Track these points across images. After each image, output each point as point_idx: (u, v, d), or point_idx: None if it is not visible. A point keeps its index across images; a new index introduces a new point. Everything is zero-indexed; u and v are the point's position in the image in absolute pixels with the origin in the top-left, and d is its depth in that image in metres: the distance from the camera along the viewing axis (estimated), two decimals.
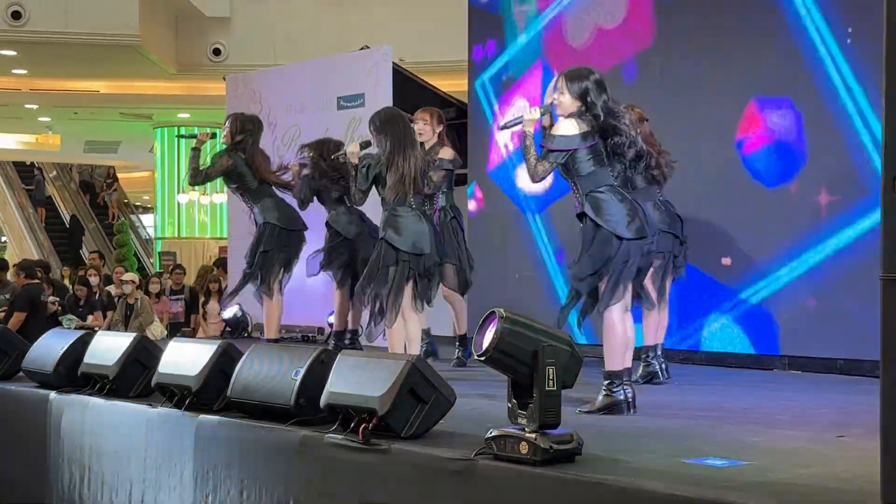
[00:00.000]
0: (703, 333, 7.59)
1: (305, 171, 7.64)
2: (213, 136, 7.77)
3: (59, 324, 10.92)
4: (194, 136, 7.75)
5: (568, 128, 5.06)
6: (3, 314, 10.94)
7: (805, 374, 6.97)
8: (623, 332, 5.09)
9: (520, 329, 3.72)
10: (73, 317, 11.39)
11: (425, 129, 6.98)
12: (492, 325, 3.73)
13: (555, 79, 5.34)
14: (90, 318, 11.60)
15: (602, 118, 5.06)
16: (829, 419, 5.04)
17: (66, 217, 24.66)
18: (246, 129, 7.63)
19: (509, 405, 3.81)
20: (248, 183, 7.58)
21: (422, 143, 6.76)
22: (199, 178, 7.65)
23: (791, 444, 4.25)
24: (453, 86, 11.15)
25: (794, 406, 5.53)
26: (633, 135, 5.11)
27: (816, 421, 4.99)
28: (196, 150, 7.65)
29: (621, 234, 4.99)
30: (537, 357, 3.67)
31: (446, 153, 7.01)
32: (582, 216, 5.12)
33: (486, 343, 3.72)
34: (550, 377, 3.68)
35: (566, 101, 5.12)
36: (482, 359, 3.74)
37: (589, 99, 5.07)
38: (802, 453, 4.05)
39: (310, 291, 8.62)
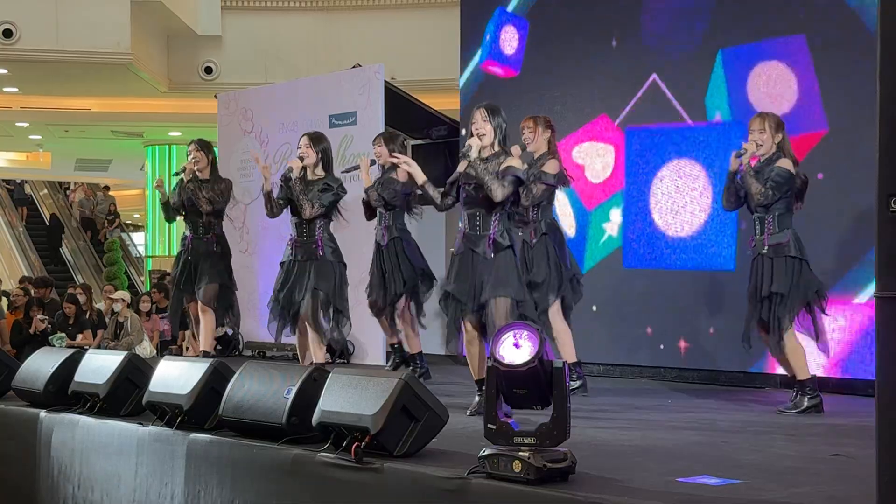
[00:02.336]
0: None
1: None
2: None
3: (49, 343, 10.87)
4: (184, 170, 7.87)
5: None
6: None
7: None
8: None
9: (548, 346, 3.75)
10: (64, 335, 11.34)
11: (530, 136, 6.74)
12: (522, 335, 3.71)
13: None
14: (80, 336, 11.55)
15: None
16: (823, 437, 5.04)
17: (47, 216, 24.80)
18: (212, 149, 8.00)
19: (492, 427, 3.77)
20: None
21: (530, 153, 6.64)
22: (218, 212, 7.93)
23: (785, 463, 4.25)
24: (445, 104, 11.16)
25: (787, 424, 5.53)
26: None
27: (810, 439, 4.98)
28: (192, 181, 7.84)
29: None
30: (561, 373, 3.68)
31: (552, 167, 6.66)
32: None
33: (522, 352, 3.70)
34: (568, 393, 3.72)
35: None
36: (523, 368, 3.71)
37: None
38: (796, 472, 4.04)
39: None
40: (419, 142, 10.42)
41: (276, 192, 6.87)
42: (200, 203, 7.69)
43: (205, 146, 7.92)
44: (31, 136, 21.66)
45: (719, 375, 7.56)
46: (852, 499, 3.43)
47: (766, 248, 5.99)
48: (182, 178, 7.81)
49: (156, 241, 20.98)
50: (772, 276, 5.95)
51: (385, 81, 9.57)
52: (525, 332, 3.71)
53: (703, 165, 7.82)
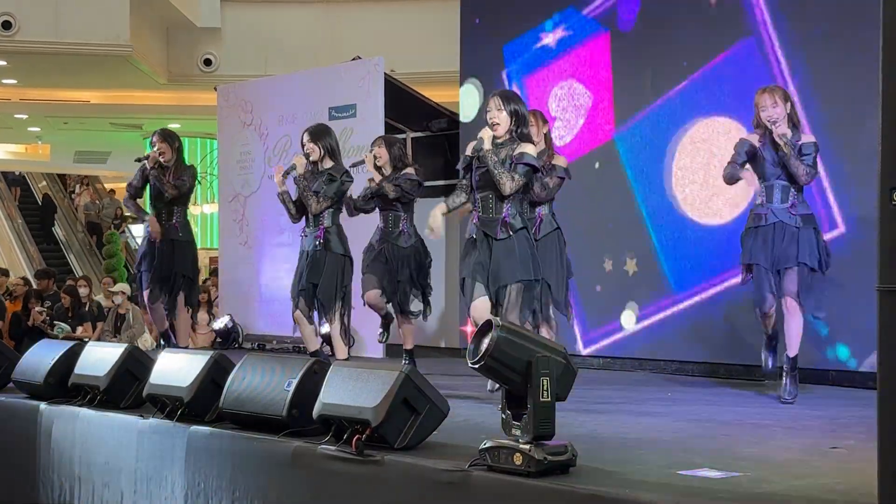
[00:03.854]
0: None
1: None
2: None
3: (46, 334, 10.88)
4: (147, 157, 7.85)
5: None
6: None
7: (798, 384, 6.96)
8: None
9: (515, 338, 3.70)
10: (64, 325, 11.34)
11: (532, 131, 6.39)
12: (488, 333, 3.71)
13: None
14: (79, 328, 11.56)
15: None
16: (823, 430, 5.04)
17: (39, 196, 24.85)
18: (178, 139, 7.96)
19: (503, 416, 3.79)
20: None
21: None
22: (182, 199, 7.89)
23: (785, 456, 4.25)
24: (445, 96, 11.15)
25: (787, 417, 5.53)
26: None
27: (810, 432, 4.99)
28: (155, 169, 7.82)
29: None
30: (531, 367, 3.66)
31: (560, 160, 6.54)
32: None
33: (481, 350, 3.70)
34: (544, 388, 3.66)
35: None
36: (476, 366, 3.72)
37: None
38: (796, 465, 4.04)
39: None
40: (419, 134, 10.42)
41: (293, 194, 6.93)
42: (166, 188, 7.70)
43: (168, 136, 7.90)
44: (29, 128, 21.66)
45: (719, 368, 7.56)
46: (852, 491, 3.43)
47: (796, 216, 6.01)
48: (145, 165, 7.80)
49: None
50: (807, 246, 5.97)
51: (385, 74, 9.57)
52: (488, 332, 3.71)
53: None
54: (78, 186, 25.55)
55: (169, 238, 7.83)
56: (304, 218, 6.98)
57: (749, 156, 6.12)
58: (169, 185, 7.71)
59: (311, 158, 6.87)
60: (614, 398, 6.43)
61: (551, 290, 6.26)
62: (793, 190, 6.03)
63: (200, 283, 12.92)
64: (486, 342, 3.69)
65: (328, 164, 6.90)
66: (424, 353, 9.19)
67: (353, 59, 10.28)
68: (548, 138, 6.68)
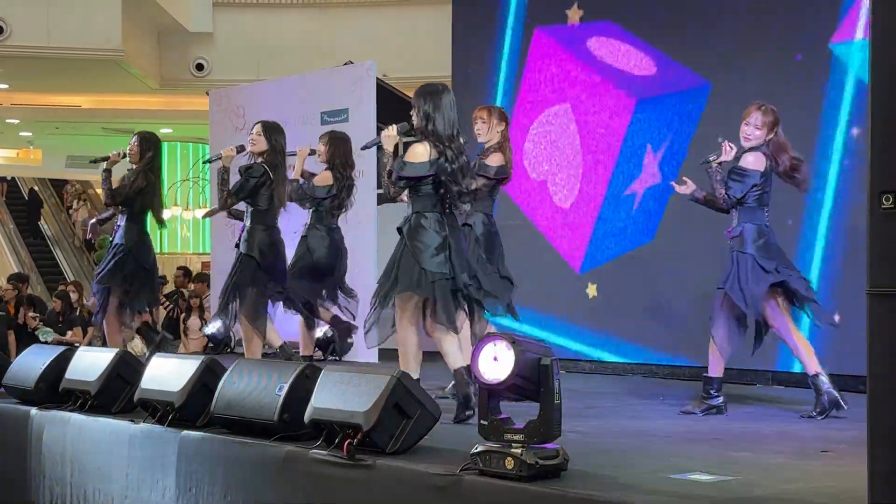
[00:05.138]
0: None
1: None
2: (124, 155, 7.70)
3: (38, 339, 10.86)
4: (107, 159, 7.69)
5: None
6: None
7: (789, 388, 6.98)
8: None
9: (525, 348, 3.70)
10: (50, 330, 11.30)
11: (483, 127, 6.49)
12: (500, 347, 3.69)
13: None
14: (69, 333, 11.53)
15: None
16: (814, 434, 5.05)
17: (25, 191, 24.98)
18: (154, 146, 7.70)
19: (484, 423, 3.77)
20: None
21: (480, 143, 6.51)
22: (117, 198, 7.56)
23: (777, 460, 4.26)
24: None
25: (778, 421, 5.54)
26: None
27: (801, 436, 5.00)
28: (108, 172, 7.61)
29: None
30: (547, 371, 3.66)
31: (494, 159, 6.40)
32: None
33: (505, 369, 3.66)
34: (557, 390, 3.68)
35: None
36: (503, 387, 3.68)
37: None
38: (788, 468, 4.05)
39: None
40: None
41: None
42: (104, 192, 7.59)
43: (143, 140, 7.71)
44: (21, 133, 21.62)
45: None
46: (843, 494, 3.44)
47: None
48: (104, 167, 7.64)
49: None
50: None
51: (377, 78, 9.57)
52: (504, 344, 3.69)
53: None
54: (76, 202, 25.27)
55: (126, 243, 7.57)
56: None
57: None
58: (106, 191, 7.55)
59: (250, 149, 7.00)
60: (606, 402, 6.43)
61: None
62: (735, 211, 5.89)
63: (190, 287, 12.92)
64: (506, 361, 3.66)
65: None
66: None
67: (346, 64, 10.29)
68: (503, 135, 6.48)
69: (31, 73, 16.00)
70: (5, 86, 17.22)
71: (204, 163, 6.87)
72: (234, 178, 7.16)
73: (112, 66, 15.09)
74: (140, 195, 7.53)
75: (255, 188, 6.92)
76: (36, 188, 24.77)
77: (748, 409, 6.08)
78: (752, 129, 5.85)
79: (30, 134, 21.68)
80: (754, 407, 6.15)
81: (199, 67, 16.20)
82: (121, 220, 7.60)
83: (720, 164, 5.88)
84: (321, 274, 7.70)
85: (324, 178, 7.55)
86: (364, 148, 6.45)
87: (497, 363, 3.68)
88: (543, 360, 3.67)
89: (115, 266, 7.51)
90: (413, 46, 14.56)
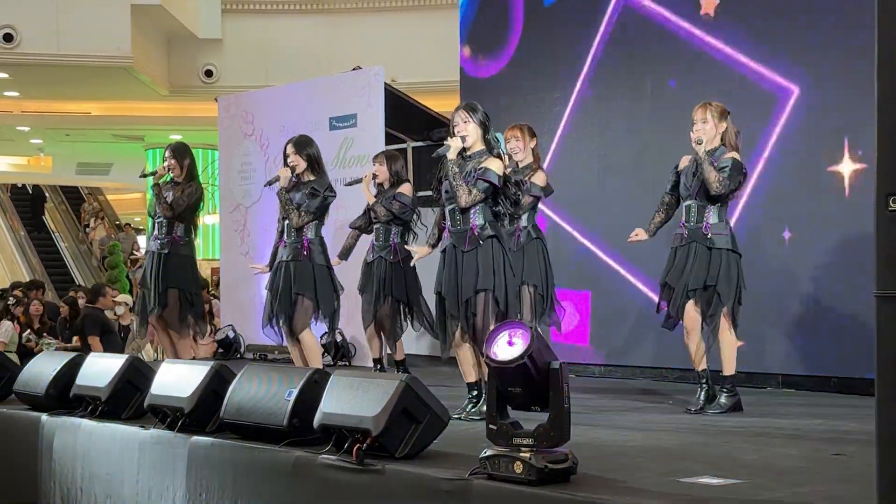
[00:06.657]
0: None
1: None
2: (170, 169, 7.73)
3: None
4: (154, 173, 7.72)
5: None
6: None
7: (798, 392, 6.97)
8: None
9: (543, 344, 3.71)
10: (51, 340, 11.29)
11: (519, 146, 6.63)
12: (517, 334, 3.70)
13: None
14: (75, 339, 11.54)
15: None
16: (824, 437, 5.04)
17: (30, 188, 25.31)
18: (188, 152, 7.75)
19: (493, 427, 3.77)
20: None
21: (516, 162, 6.60)
22: (176, 210, 7.55)
23: (786, 463, 4.24)
24: (445, 106, 11.16)
25: (788, 424, 5.52)
26: None
27: (811, 439, 4.98)
28: (158, 186, 7.65)
29: None
30: (558, 374, 3.66)
31: (539, 178, 6.61)
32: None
33: (514, 350, 3.68)
34: (567, 394, 3.68)
35: None
36: (512, 364, 3.67)
37: None
38: (798, 471, 4.04)
39: None
40: (419, 144, 10.44)
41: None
42: (162, 208, 7.56)
43: (178, 152, 7.70)
44: (32, 140, 21.72)
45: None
46: (854, 498, 3.43)
47: (709, 236, 5.92)
48: (151, 180, 7.72)
49: None
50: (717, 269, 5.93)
51: (385, 84, 9.58)
52: (520, 331, 3.69)
53: None
54: (93, 220, 25.24)
55: (165, 252, 7.62)
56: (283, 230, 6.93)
57: (676, 176, 6.14)
58: (165, 205, 7.55)
59: (295, 171, 6.86)
60: (615, 406, 6.43)
61: (542, 294, 6.48)
62: (710, 209, 5.93)
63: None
64: (519, 342, 3.66)
65: (310, 176, 6.87)
66: (427, 362, 9.20)
67: (354, 69, 10.30)
68: (535, 153, 6.70)
69: (42, 81, 16.06)
70: (16, 93, 17.28)
71: (264, 185, 6.93)
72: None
73: (122, 73, 15.15)
74: (197, 204, 7.69)
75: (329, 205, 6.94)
76: (39, 183, 25.11)
77: (757, 412, 6.06)
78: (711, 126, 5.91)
79: (40, 141, 21.77)
80: (763, 410, 6.14)
81: (208, 74, 16.26)
82: (179, 231, 7.63)
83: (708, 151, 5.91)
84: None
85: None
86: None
87: (511, 348, 3.68)
88: (553, 364, 3.67)
89: (181, 270, 7.63)
90: (421, 51, 14.60)
